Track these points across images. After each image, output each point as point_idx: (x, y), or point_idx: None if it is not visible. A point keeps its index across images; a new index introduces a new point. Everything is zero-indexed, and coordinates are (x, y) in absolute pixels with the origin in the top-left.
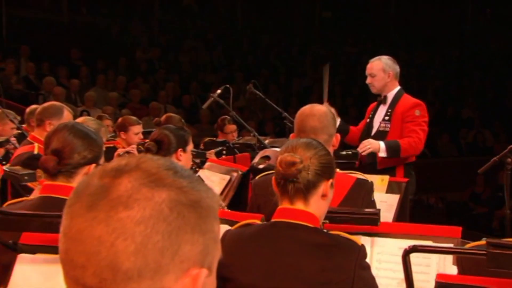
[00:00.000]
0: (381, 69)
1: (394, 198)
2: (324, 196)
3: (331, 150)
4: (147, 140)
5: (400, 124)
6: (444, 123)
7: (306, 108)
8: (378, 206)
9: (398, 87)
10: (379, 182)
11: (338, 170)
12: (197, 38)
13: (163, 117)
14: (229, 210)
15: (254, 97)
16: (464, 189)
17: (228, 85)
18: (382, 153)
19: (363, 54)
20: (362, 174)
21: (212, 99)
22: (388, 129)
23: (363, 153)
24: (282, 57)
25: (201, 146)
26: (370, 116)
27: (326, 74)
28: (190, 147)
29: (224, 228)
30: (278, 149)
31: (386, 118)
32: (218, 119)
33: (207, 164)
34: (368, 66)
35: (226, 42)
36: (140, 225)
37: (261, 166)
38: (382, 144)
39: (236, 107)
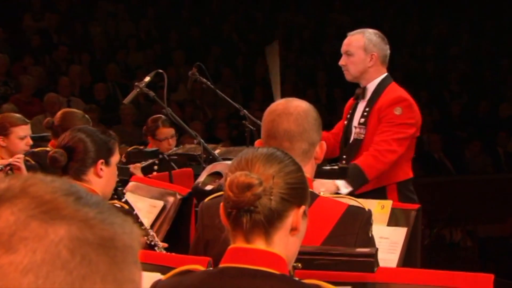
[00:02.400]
0: (361, 47)
1: (400, 233)
2: (294, 230)
3: (313, 164)
4: (40, 149)
5: (377, 129)
6: (473, 125)
7: (279, 104)
8: (377, 244)
9: (384, 75)
10: (378, 209)
11: (321, 193)
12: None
13: (58, 115)
14: (162, 251)
15: (199, 87)
16: (503, 220)
17: (161, 70)
18: (345, 189)
19: (358, 24)
20: (354, 198)
21: (138, 90)
22: (362, 137)
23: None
24: (240, 29)
25: (123, 158)
26: (348, 116)
27: (274, 57)
28: (116, 158)
29: (153, 277)
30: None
31: (362, 120)
32: (148, 119)
33: (131, 184)
34: (345, 41)
35: (159, 6)
36: (28, 274)
37: (209, 188)
38: (338, 182)
39: (174, 102)
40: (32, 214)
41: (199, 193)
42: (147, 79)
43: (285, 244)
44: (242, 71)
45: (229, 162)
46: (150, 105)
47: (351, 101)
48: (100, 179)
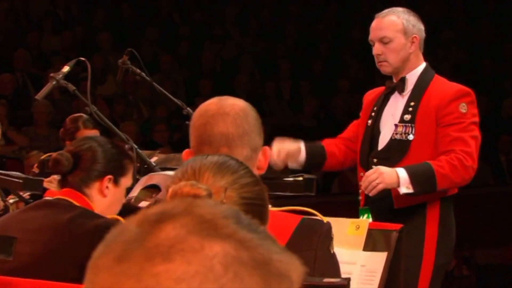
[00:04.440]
0: (401, 30)
1: (379, 259)
2: None
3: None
4: None
5: (432, 129)
6: None
7: (211, 104)
8: (352, 273)
9: (424, 64)
10: (352, 231)
11: (270, 206)
12: None
13: None
14: None
15: (132, 80)
16: (506, 244)
17: (83, 58)
18: (405, 189)
19: (328, 2)
20: (311, 210)
21: (55, 82)
22: (411, 137)
23: (370, 194)
24: (183, 6)
25: (35, 168)
26: (373, 114)
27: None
28: (127, 181)
29: None
30: (173, 173)
31: (407, 117)
32: (66, 119)
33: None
34: (376, 25)
35: None
36: (182, 283)
37: (143, 204)
38: (401, 173)
39: (101, 97)
40: (192, 230)
41: (131, 212)
42: (66, 69)
43: None
44: (185, 60)
45: (169, 172)
46: (69, 101)
47: (374, 93)
48: (104, 198)
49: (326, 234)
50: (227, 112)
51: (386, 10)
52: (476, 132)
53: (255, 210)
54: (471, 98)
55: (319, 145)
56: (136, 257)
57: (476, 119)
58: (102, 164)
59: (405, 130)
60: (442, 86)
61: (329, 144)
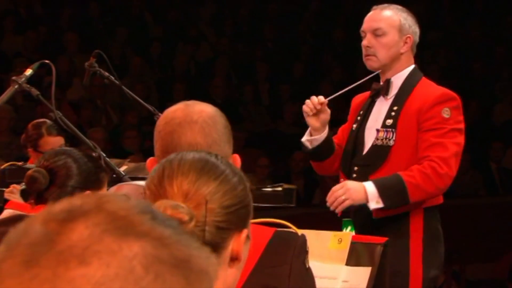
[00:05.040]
0: (396, 27)
1: (362, 275)
2: (234, 260)
3: None
4: None
5: (413, 134)
6: None
7: (177, 111)
8: None
9: (413, 66)
10: (334, 243)
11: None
12: None
13: None
14: None
15: (100, 83)
16: (498, 258)
17: (47, 60)
18: (374, 204)
19: (309, 1)
20: (286, 223)
21: (17, 86)
22: (391, 143)
23: (336, 211)
24: (155, 5)
25: None
26: (358, 118)
27: None
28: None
29: None
30: (144, 183)
31: (389, 122)
32: (28, 124)
33: (5, 213)
34: (372, 16)
35: None
36: None
37: None
38: (369, 187)
39: (67, 102)
40: (107, 229)
41: None
42: (29, 72)
43: (223, 280)
44: (157, 62)
45: (140, 182)
46: (33, 106)
47: (360, 98)
48: None
49: (301, 248)
50: (195, 120)
51: (385, 4)
52: (459, 139)
53: (238, 215)
54: (456, 103)
55: (333, 143)
56: (46, 261)
57: (460, 126)
58: (77, 180)
59: (386, 136)
60: (427, 89)
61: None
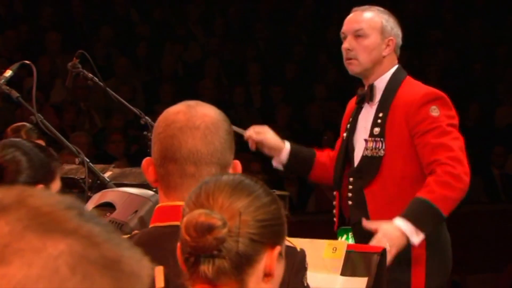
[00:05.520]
0: (378, 29)
1: (358, 286)
2: (267, 276)
3: None
4: None
5: (403, 142)
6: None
7: (179, 113)
8: None
9: (396, 66)
10: (329, 253)
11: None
12: None
13: None
14: None
15: (84, 85)
16: (499, 269)
17: (28, 61)
18: (416, 238)
19: (299, 1)
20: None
21: None
22: (382, 153)
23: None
24: (141, 3)
25: None
26: (348, 126)
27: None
28: (57, 185)
29: None
30: (131, 190)
31: (376, 131)
32: (7, 128)
33: None
34: (353, 17)
35: None
36: None
37: None
38: (403, 225)
39: (49, 105)
40: (29, 225)
41: None
42: (9, 73)
43: None
44: (143, 63)
45: (125, 189)
46: (13, 109)
47: (351, 106)
48: None
49: (300, 264)
50: (197, 126)
51: (366, 6)
52: (456, 134)
53: (271, 231)
54: (442, 101)
55: (310, 151)
56: None
57: (453, 121)
58: (28, 174)
59: (375, 145)
60: (410, 91)
61: (321, 154)
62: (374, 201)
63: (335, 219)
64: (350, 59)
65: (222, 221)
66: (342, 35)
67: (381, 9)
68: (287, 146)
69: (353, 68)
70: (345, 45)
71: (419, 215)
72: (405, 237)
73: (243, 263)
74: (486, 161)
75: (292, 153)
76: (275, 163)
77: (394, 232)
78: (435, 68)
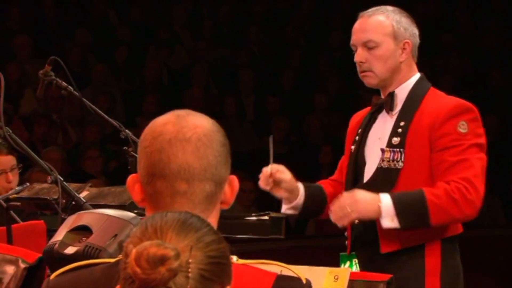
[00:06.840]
0: (390, 34)
1: None
2: None
3: (218, 212)
4: None
5: (426, 155)
6: None
7: (168, 124)
8: None
9: (418, 75)
10: (330, 282)
11: (234, 258)
12: None
13: None
14: None
15: (57, 95)
16: None
17: None
18: (388, 221)
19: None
20: (284, 265)
21: None
22: (400, 165)
23: (338, 224)
24: (121, 4)
25: None
26: (357, 138)
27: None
28: None
29: None
30: (110, 212)
31: (395, 141)
32: None
33: None
34: (360, 26)
35: None
36: None
37: (69, 251)
38: (385, 200)
39: (18, 117)
40: None
41: (55, 260)
42: None
43: None
44: (124, 69)
45: (103, 210)
46: None
47: (359, 116)
48: None
49: None
50: (188, 138)
51: (372, 9)
52: (480, 154)
53: (220, 269)
54: (474, 115)
55: (318, 187)
56: None
57: (481, 140)
58: None
59: (393, 157)
60: (438, 101)
61: (327, 185)
62: None
63: (347, 241)
64: (365, 71)
65: (175, 252)
66: (352, 48)
67: (391, 8)
68: (301, 188)
69: (369, 80)
70: (356, 58)
71: (408, 206)
72: (377, 213)
73: None
74: (504, 180)
75: (307, 196)
76: (287, 208)
77: (369, 200)
78: (448, 76)
